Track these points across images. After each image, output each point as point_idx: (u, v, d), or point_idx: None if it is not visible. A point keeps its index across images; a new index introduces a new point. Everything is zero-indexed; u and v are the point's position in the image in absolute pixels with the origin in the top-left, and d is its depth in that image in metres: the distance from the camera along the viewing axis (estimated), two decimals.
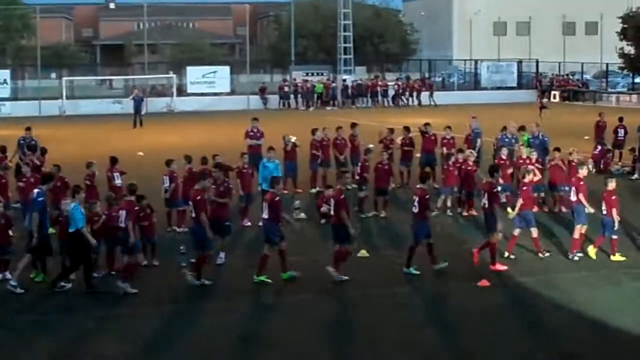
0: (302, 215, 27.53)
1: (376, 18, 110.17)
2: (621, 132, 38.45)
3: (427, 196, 20.95)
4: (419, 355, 15.88)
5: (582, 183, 22.17)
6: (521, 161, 27.96)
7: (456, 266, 21.15)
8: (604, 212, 21.63)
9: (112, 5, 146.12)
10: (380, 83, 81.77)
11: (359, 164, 29.14)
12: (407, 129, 33.96)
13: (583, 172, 22.43)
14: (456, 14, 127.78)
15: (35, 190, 20.61)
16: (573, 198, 21.98)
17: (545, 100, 73.14)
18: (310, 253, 22.76)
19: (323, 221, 26.55)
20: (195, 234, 20.26)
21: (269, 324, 17.73)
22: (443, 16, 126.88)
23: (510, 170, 28.30)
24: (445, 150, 32.30)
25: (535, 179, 24.28)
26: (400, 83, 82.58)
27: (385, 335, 16.77)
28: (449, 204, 28.20)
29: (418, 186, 21.50)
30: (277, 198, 20.65)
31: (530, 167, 24.42)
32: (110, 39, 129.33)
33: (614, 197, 21.73)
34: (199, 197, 20.17)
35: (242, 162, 27.32)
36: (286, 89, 79.25)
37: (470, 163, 27.96)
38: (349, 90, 79.93)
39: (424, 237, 20.67)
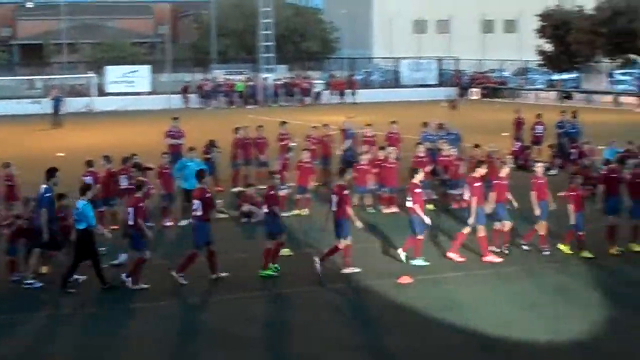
0: (224, 214, 27.46)
1: (297, 16, 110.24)
2: (539, 128, 38.91)
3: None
4: (348, 354, 15.91)
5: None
6: (441, 158, 28.15)
7: (376, 264, 21.24)
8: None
9: (30, 4, 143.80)
10: (302, 81, 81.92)
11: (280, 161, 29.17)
12: (325, 126, 34.15)
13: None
14: (376, 13, 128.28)
15: (43, 187, 20.54)
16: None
17: (456, 98, 73.92)
18: (233, 251, 22.71)
19: (244, 220, 26.61)
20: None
21: (200, 323, 17.64)
22: (364, 14, 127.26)
23: (429, 168, 28.23)
24: (364, 147, 32.46)
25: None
26: (323, 81, 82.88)
27: (316, 333, 16.77)
28: (369, 201, 28.23)
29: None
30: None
31: (501, 161, 24.61)
32: (28, 38, 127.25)
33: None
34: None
35: (162, 162, 27.10)
36: (207, 87, 78.90)
37: (391, 160, 28.03)
38: (272, 89, 79.90)
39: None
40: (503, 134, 42.66)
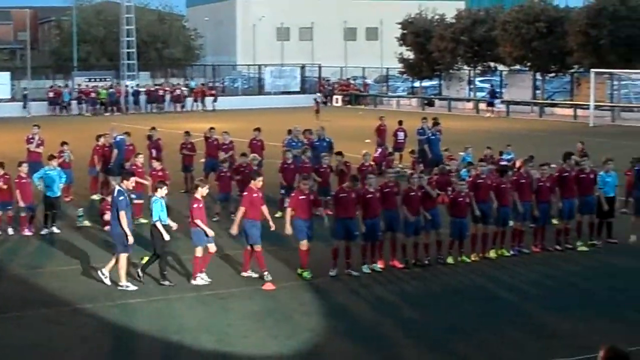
0: (86, 222, 27.06)
1: (160, 23, 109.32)
2: (401, 135, 39.55)
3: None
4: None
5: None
6: (305, 165, 28.20)
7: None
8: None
9: None
10: (167, 88, 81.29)
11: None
12: (187, 133, 34.06)
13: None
14: (240, 20, 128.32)
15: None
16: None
17: (320, 104, 74.39)
18: (89, 260, 22.45)
19: (107, 228, 26.17)
20: None
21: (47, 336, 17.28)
22: (227, 21, 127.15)
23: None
24: (223, 154, 32.46)
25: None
26: (186, 88, 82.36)
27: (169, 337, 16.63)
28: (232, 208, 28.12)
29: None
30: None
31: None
32: None
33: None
34: None
35: (21, 171, 26.36)
36: (65, 94, 77.70)
37: (254, 167, 27.92)
38: (134, 96, 78.96)
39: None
40: (366, 141, 43.06)
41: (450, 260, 22.35)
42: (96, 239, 25.39)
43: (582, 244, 23.98)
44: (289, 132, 33.31)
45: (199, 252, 20.33)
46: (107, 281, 20.07)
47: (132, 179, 20.79)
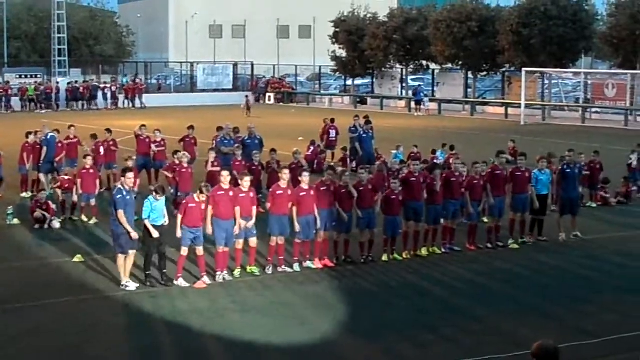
0: (16, 220, 26.70)
1: (92, 20, 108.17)
2: (333, 132, 39.62)
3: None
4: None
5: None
6: (237, 163, 28.04)
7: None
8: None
9: None
10: (100, 85, 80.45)
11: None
12: (108, 130, 33.93)
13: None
14: (172, 17, 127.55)
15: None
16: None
17: (250, 101, 74.28)
18: (20, 260, 22.11)
19: (37, 226, 25.92)
20: None
21: None
22: (159, 18, 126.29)
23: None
24: (157, 150, 32.58)
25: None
26: (118, 85, 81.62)
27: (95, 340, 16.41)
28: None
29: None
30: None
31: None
32: None
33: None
34: None
35: None
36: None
37: (185, 165, 27.73)
38: (66, 93, 77.94)
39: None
40: (299, 139, 43.03)
41: (384, 258, 22.38)
42: (26, 237, 25.06)
43: (514, 242, 24.17)
44: (220, 129, 33.09)
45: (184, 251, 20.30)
46: (132, 286, 19.69)
47: (130, 174, 20.35)
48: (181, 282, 19.97)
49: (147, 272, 19.98)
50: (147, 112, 71.64)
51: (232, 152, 29.88)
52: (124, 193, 19.76)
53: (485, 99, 77.27)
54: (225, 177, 20.82)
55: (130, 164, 25.46)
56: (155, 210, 19.82)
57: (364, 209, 22.13)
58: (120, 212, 19.50)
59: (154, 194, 19.99)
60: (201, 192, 20.12)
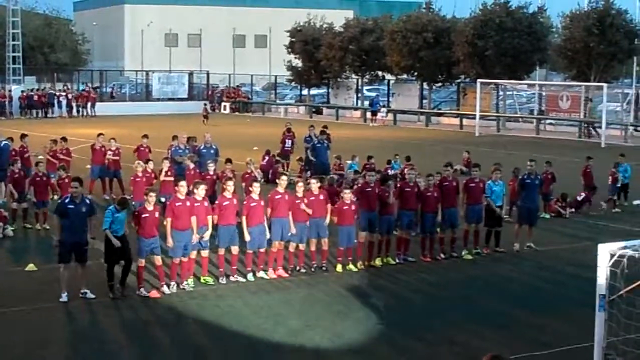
0: None
1: (47, 27, 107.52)
2: (288, 142, 39.54)
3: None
4: None
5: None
6: (189, 172, 27.86)
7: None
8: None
9: None
10: (56, 93, 79.83)
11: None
12: (64, 139, 33.89)
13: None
14: (128, 25, 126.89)
15: None
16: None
17: (209, 109, 74.21)
18: None
19: None
20: None
21: None
22: (115, 26, 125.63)
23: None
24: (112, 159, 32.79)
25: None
26: (73, 93, 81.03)
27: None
28: None
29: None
30: None
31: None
32: None
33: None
34: None
35: None
36: None
37: (139, 174, 27.55)
38: (21, 100, 77.22)
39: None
40: (254, 148, 42.95)
41: (339, 268, 22.34)
42: None
43: (468, 253, 24.21)
44: (174, 138, 32.91)
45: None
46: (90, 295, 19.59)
47: (75, 183, 20.12)
48: (142, 292, 19.86)
49: (110, 283, 19.76)
50: (102, 120, 71.12)
51: (183, 161, 29.56)
52: (72, 203, 19.62)
53: (440, 109, 77.61)
54: (182, 187, 20.74)
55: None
56: (116, 222, 19.65)
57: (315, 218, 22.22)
58: (58, 221, 19.53)
59: (116, 207, 19.86)
60: (147, 199, 20.32)
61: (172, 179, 27.42)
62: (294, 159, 38.86)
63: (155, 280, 20.39)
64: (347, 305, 19.56)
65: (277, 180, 22.46)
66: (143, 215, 20.03)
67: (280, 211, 21.74)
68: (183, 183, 21.06)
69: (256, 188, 21.75)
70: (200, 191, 20.89)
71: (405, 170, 27.51)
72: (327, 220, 22.44)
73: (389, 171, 29.55)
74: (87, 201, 20.06)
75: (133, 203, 26.00)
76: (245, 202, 21.56)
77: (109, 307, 19.05)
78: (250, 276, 21.42)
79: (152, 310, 18.97)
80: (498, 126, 65.51)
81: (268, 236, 21.58)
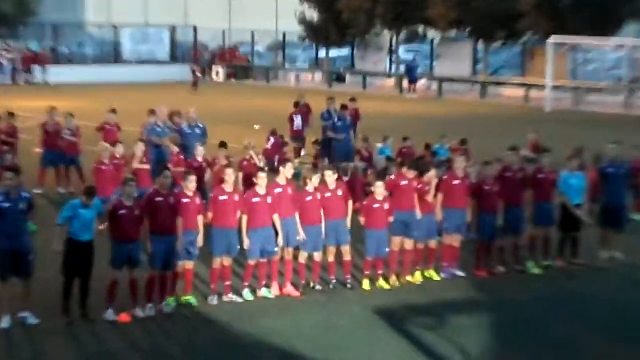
0: None
1: None
2: (298, 120, 39.22)
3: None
4: None
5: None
6: (173, 159, 27.89)
7: None
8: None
9: None
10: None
11: None
12: (11, 114, 33.95)
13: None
14: None
15: None
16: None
17: (199, 75, 74.35)
18: None
19: None
20: None
21: None
22: None
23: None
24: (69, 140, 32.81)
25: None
26: (18, 55, 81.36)
27: None
28: None
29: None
30: None
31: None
32: None
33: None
34: None
35: None
36: None
37: (105, 161, 27.52)
38: None
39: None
40: (256, 127, 42.91)
41: (366, 285, 22.32)
42: None
43: (535, 265, 24.11)
44: (152, 113, 32.83)
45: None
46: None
47: (8, 174, 20.08)
48: (109, 315, 19.83)
49: (66, 303, 19.67)
50: (56, 89, 71.26)
51: (163, 144, 29.42)
52: (7, 200, 19.42)
53: (499, 77, 77.46)
54: (191, 183, 20.95)
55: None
56: (80, 220, 19.45)
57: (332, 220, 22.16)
58: None
59: (83, 197, 19.71)
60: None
61: (147, 167, 27.36)
62: (309, 142, 38.75)
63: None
64: (376, 335, 19.53)
65: (280, 168, 22.23)
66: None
67: (283, 209, 21.68)
68: (192, 178, 21.14)
69: (262, 180, 21.61)
70: (190, 184, 20.94)
71: (455, 156, 27.24)
72: (349, 221, 22.39)
73: (429, 158, 29.41)
74: (25, 196, 19.91)
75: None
76: (245, 198, 21.52)
77: (61, 335, 19.01)
78: (247, 294, 21.42)
79: (119, 339, 18.97)
80: (575, 100, 65.34)
81: (281, 244, 21.63)
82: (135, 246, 20.01)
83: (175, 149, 28.57)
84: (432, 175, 23.38)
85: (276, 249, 21.61)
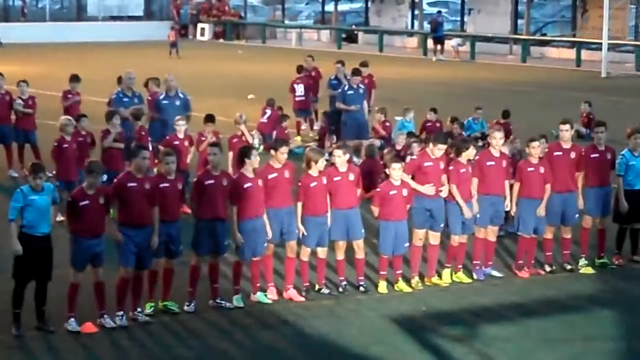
0: None
1: None
2: (300, 88, 39.13)
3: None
4: None
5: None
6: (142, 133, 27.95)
7: None
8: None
9: None
10: None
11: None
12: None
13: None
14: None
15: None
16: None
17: (177, 35, 74.55)
18: None
19: None
20: None
21: None
22: None
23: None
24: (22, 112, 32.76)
25: None
26: None
27: None
28: None
29: None
30: None
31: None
32: None
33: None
34: None
35: None
36: None
37: (66, 137, 27.56)
38: None
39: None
40: (250, 97, 43.06)
41: (382, 287, 22.42)
42: None
43: (588, 264, 24.16)
44: (119, 80, 32.92)
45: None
46: None
47: None
48: (72, 324, 19.83)
49: (16, 312, 19.60)
50: (7, 51, 71.43)
51: (125, 115, 29.19)
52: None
53: (545, 35, 77.49)
54: (171, 163, 20.99)
55: None
56: (34, 208, 19.27)
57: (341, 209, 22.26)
58: None
59: (31, 178, 19.43)
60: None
61: (121, 145, 27.33)
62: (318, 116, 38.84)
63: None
64: (394, 346, 19.66)
65: (272, 151, 22.11)
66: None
67: (277, 197, 21.71)
68: (172, 159, 21.11)
69: (254, 159, 21.59)
70: (170, 166, 20.88)
71: (492, 131, 27.02)
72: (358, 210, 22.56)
73: (455, 132, 29.45)
74: None
75: (57, 184, 25.94)
76: (236, 182, 21.49)
77: (13, 351, 19.10)
78: (237, 300, 21.51)
79: (82, 354, 19.09)
80: (638, 63, 65.26)
81: (270, 236, 21.67)
82: (100, 242, 19.83)
83: (139, 123, 28.44)
84: (469, 154, 23.15)
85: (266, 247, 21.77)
